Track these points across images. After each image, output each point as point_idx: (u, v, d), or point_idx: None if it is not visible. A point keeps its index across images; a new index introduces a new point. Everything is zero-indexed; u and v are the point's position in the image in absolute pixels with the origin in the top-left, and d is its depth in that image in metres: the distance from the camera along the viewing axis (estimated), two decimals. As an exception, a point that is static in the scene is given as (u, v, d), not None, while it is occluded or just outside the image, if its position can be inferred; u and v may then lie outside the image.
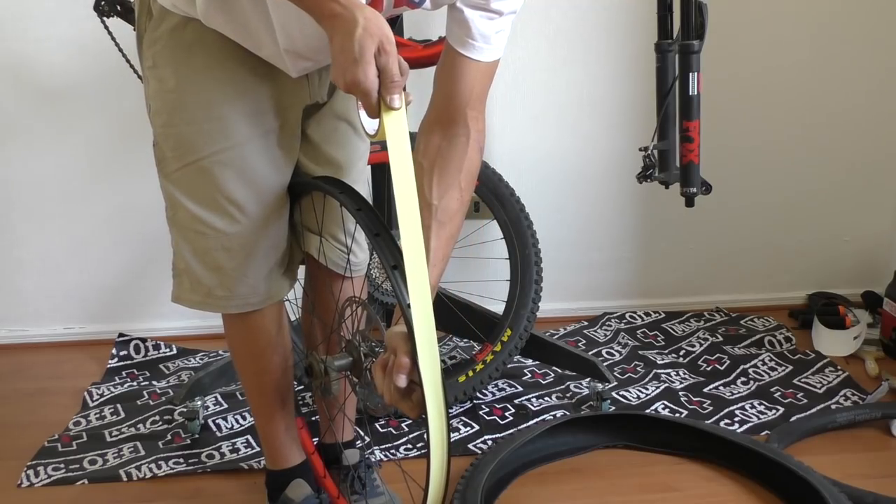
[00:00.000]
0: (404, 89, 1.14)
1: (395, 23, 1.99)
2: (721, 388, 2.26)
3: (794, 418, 2.08)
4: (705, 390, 2.24)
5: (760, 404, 2.16)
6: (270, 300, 1.52)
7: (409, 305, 1.19)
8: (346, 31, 1.08)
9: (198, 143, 1.39)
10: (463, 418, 2.10)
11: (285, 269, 1.54)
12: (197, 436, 2.02)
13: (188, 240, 1.45)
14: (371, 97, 1.11)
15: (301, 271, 1.65)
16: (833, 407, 2.14)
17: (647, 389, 2.23)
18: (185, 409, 2.05)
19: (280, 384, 1.61)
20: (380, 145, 1.83)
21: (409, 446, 1.98)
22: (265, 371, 1.58)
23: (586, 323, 2.66)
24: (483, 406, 2.15)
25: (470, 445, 1.98)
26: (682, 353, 2.46)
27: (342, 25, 1.09)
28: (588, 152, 2.60)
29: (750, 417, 2.10)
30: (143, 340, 2.48)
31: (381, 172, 2.09)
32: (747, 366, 2.35)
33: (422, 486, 1.25)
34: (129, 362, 2.42)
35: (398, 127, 1.14)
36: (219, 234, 1.43)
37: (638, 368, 2.36)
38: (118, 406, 2.17)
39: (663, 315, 2.70)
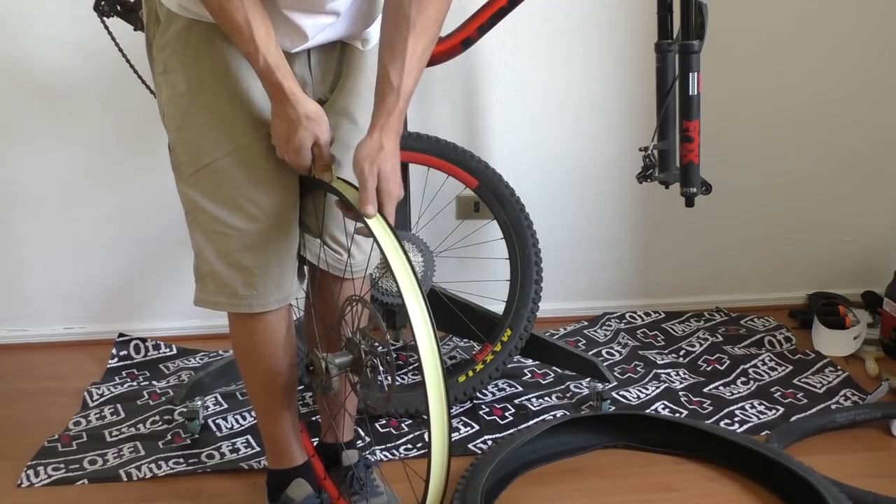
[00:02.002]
0: (331, 164, 1.41)
1: None
2: (721, 388, 2.26)
3: (794, 418, 2.08)
4: (705, 390, 2.24)
5: (760, 404, 2.16)
6: (291, 297, 1.54)
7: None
8: (291, 128, 1.36)
9: (210, 145, 1.41)
10: (463, 418, 2.10)
11: (298, 266, 1.56)
12: (197, 436, 2.02)
13: (211, 241, 1.47)
14: (304, 171, 1.42)
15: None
16: (833, 407, 2.14)
17: (647, 389, 2.23)
18: (185, 409, 2.05)
19: (288, 383, 1.62)
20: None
21: (410, 446, 1.98)
22: (276, 371, 1.59)
23: (586, 323, 2.66)
24: (483, 406, 2.15)
25: (470, 445, 1.98)
26: (682, 353, 2.46)
27: (290, 122, 1.36)
28: (588, 152, 2.60)
29: (750, 417, 2.10)
30: (143, 340, 2.48)
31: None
32: (747, 366, 2.35)
33: (423, 479, 1.25)
34: (129, 362, 2.41)
35: (381, 226, 1.36)
36: (240, 233, 1.45)
37: (638, 368, 2.36)
38: (118, 406, 2.17)
39: (663, 315, 2.70)
